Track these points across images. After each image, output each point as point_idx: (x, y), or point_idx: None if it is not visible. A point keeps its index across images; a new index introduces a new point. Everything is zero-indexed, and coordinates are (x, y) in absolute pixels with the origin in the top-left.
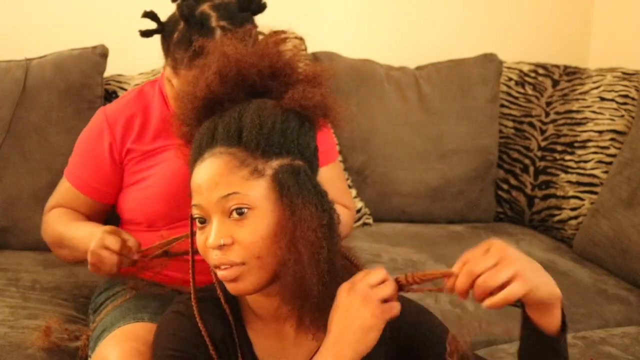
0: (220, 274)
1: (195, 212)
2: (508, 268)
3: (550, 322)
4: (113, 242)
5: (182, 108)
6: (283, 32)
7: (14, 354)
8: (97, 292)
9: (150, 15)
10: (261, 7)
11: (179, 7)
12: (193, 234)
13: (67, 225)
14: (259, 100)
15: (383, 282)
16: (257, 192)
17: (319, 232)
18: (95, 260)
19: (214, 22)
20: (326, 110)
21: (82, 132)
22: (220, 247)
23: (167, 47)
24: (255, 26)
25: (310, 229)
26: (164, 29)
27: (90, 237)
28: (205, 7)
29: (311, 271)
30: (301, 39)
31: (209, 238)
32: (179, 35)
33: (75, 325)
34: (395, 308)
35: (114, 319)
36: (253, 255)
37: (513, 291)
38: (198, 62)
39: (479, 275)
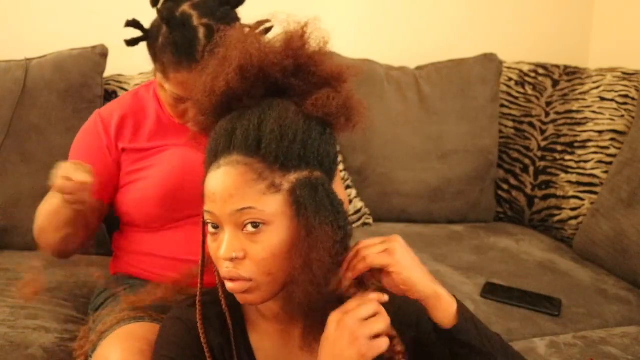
0: (229, 285)
1: (208, 218)
2: (382, 245)
3: (443, 317)
4: (67, 170)
5: (200, 99)
6: (306, 24)
7: (14, 354)
8: (97, 292)
9: (132, 23)
10: (239, 0)
11: (159, 11)
12: (204, 237)
13: (42, 206)
14: (281, 105)
15: (374, 314)
16: (273, 207)
17: (333, 251)
18: (60, 189)
19: (195, 21)
20: (349, 114)
21: (78, 134)
22: (232, 259)
23: (154, 53)
24: (237, 19)
25: (326, 250)
26: (148, 36)
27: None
28: (185, 8)
29: (323, 290)
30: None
31: (220, 248)
32: (163, 39)
33: (75, 325)
34: (384, 344)
35: (115, 319)
36: (263, 272)
37: (373, 256)
38: (218, 54)
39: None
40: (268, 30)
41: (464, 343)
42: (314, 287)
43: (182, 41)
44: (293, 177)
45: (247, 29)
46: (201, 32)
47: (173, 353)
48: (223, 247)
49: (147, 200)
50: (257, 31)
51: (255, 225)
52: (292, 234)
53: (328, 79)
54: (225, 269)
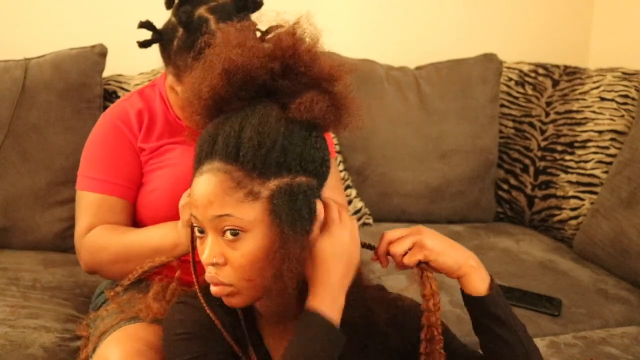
0: (212, 289)
1: (194, 222)
2: (409, 239)
3: (474, 288)
4: None
5: (192, 101)
6: (297, 23)
7: (15, 353)
8: (97, 292)
9: (146, 25)
10: (257, 5)
11: (175, 14)
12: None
13: (130, 234)
14: (263, 111)
15: None
16: (251, 215)
17: (307, 261)
18: None
19: (213, 25)
20: (338, 115)
21: (94, 139)
22: (213, 264)
23: (168, 56)
24: (254, 24)
25: (299, 261)
26: (162, 38)
27: (172, 230)
28: (202, 11)
29: (294, 297)
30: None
31: (203, 253)
32: (178, 42)
33: (75, 325)
34: None
35: (115, 319)
36: (242, 278)
37: (409, 256)
38: (201, 60)
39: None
40: None
41: (491, 313)
42: (285, 297)
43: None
44: (273, 184)
45: (250, 32)
46: (219, 36)
47: (187, 329)
48: (205, 252)
49: (156, 203)
50: (269, 36)
51: (234, 232)
52: (268, 242)
53: (318, 79)
54: (208, 272)
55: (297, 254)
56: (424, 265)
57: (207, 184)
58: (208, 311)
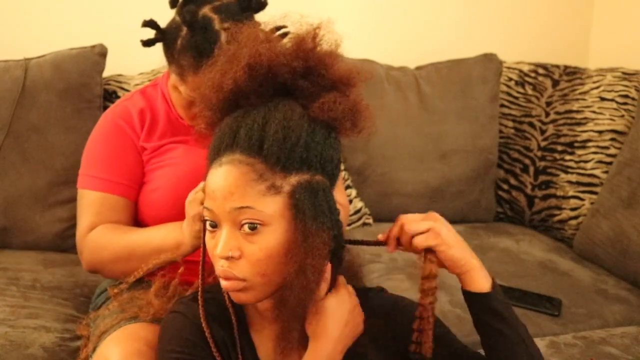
0: (224, 284)
1: (207, 215)
2: (426, 223)
3: (477, 286)
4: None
5: (207, 95)
6: (318, 26)
7: (14, 353)
8: (98, 292)
9: (150, 24)
10: (261, 5)
11: (179, 13)
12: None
13: (132, 234)
14: (287, 107)
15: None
16: (272, 209)
17: (327, 258)
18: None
19: (217, 25)
20: (355, 119)
21: (95, 138)
22: (228, 258)
23: (172, 55)
24: (258, 25)
25: (321, 256)
26: (165, 37)
27: (175, 229)
28: (206, 11)
29: (313, 295)
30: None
31: (217, 246)
32: (182, 41)
33: (75, 325)
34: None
35: (115, 319)
36: (258, 273)
37: (422, 238)
38: (228, 51)
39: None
40: (284, 35)
41: (493, 309)
42: (307, 292)
43: (204, 45)
44: (294, 179)
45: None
46: (222, 36)
47: (179, 347)
48: (220, 245)
49: (158, 202)
50: (274, 35)
51: (253, 226)
52: (289, 237)
53: (337, 82)
54: (220, 267)
55: (320, 249)
56: (429, 252)
57: (227, 175)
58: (204, 326)
